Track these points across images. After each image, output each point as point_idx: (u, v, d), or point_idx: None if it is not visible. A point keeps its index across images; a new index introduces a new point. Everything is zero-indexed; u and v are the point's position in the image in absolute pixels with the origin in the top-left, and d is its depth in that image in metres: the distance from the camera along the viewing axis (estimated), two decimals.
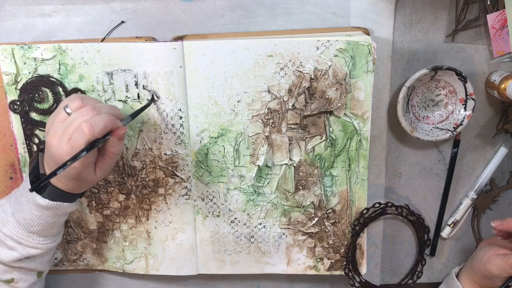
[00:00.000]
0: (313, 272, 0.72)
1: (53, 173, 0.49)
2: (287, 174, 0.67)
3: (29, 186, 0.57)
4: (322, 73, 0.62)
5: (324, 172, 0.67)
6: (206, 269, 0.73)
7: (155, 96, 0.63)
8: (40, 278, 0.64)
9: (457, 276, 0.65)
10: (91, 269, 0.75)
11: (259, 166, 0.67)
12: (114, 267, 0.74)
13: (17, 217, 0.58)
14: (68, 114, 0.54)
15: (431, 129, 0.67)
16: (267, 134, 0.65)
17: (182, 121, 0.65)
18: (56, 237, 0.63)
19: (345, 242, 0.71)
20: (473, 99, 0.65)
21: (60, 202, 0.57)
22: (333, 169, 0.67)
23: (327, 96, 0.63)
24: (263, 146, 0.66)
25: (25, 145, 0.67)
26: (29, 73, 0.64)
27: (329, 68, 0.62)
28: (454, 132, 0.66)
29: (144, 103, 0.64)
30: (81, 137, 0.51)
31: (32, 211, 0.57)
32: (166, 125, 0.65)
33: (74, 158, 0.50)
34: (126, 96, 0.64)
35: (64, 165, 0.50)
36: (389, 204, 0.70)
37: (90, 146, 0.52)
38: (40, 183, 0.51)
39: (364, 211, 0.69)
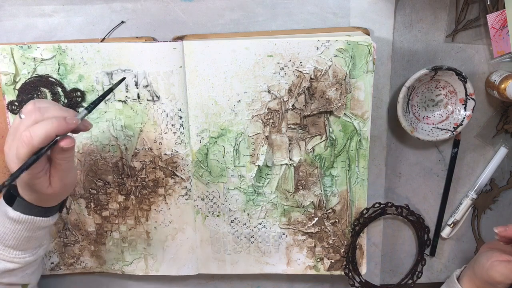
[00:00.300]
0: (313, 272, 0.72)
1: (2, 185, 0.46)
2: (287, 174, 0.67)
3: (3, 201, 0.55)
4: (322, 73, 0.62)
5: (324, 172, 0.67)
6: (206, 269, 0.72)
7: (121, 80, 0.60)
8: None
9: (458, 279, 0.64)
10: (89, 272, 0.74)
11: (259, 166, 0.67)
12: (113, 269, 0.73)
13: None
14: (21, 119, 0.51)
15: (431, 129, 0.67)
16: (267, 134, 0.65)
17: (182, 121, 0.65)
18: (36, 251, 0.59)
19: (345, 242, 0.71)
20: (473, 99, 0.65)
21: (32, 216, 0.54)
22: (333, 169, 0.67)
23: (327, 96, 0.63)
24: (263, 146, 0.66)
25: None
26: (28, 73, 0.64)
27: (329, 68, 0.62)
28: (454, 132, 0.66)
29: (144, 103, 0.64)
30: (21, 147, 0.48)
31: (6, 224, 0.55)
32: (166, 125, 0.65)
33: (14, 176, 0.47)
34: (126, 96, 0.64)
35: (5, 185, 0.46)
36: (389, 204, 0.70)
37: (31, 160, 0.48)
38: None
39: (364, 211, 0.69)
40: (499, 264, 0.57)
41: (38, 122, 0.49)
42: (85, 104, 0.65)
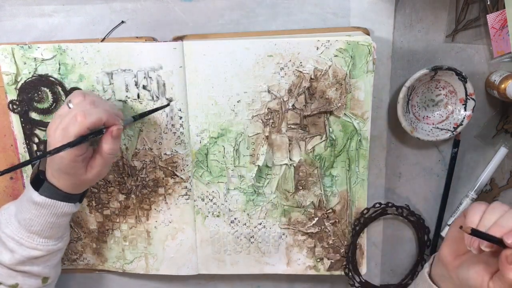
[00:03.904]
0: (313, 272, 0.72)
1: (31, 161, 0.52)
2: (287, 174, 0.67)
3: (30, 187, 0.58)
4: (322, 73, 0.62)
5: (324, 172, 0.67)
6: (206, 269, 0.73)
7: (171, 103, 0.64)
8: (46, 284, 0.63)
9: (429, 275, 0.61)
10: (91, 268, 0.75)
11: (259, 166, 0.67)
12: (114, 267, 0.74)
13: (18, 218, 0.59)
14: (70, 108, 0.55)
15: (431, 129, 0.67)
16: (267, 134, 0.65)
17: (182, 121, 0.65)
18: (59, 241, 0.62)
19: (345, 242, 0.71)
20: (473, 99, 0.65)
21: (56, 200, 0.57)
22: (333, 169, 0.67)
23: (327, 96, 0.63)
24: (263, 146, 0.66)
25: (25, 145, 0.67)
26: (29, 73, 0.64)
27: (329, 68, 0.62)
28: (454, 132, 0.66)
29: (144, 103, 0.64)
30: (73, 125, 0.52)
31: (31, 209, 0.57)
32: (166, 125, 0.65)
33: (59, 149, 0.51)
34: (126, 96, 0.64)
35: (48, 153, 0.51)
36: (390, 204, 0.70)
37: (79, 139, 0.52)
38: (15, 167, 0.51)
39: (365, 211, 0.69)
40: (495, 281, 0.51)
41: (90, 111, 0.54)
42: None
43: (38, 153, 0.68)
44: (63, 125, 0.53)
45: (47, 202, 0.57)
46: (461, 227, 0.49)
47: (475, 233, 0.48)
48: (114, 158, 0.58)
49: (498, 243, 0.47)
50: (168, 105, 0.63)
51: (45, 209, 0.57)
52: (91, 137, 0.53)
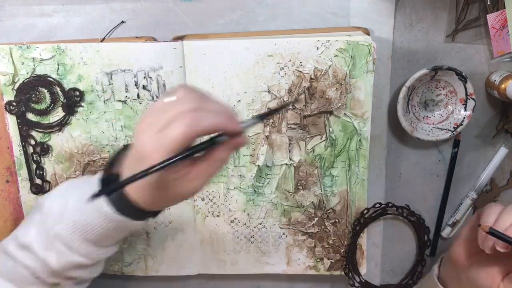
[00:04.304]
0: (313, 272, 0.72)
1: (126, 182, 0.38)
2: (287, 174, 0.67)
3: (102, 206, 0.46)
4: (322, 73, 0.62)
5: (324, 172, 0.67)
6: (206, 269, 0.72)
7: (295, 99, 0.61)
8: (83, 285, 0.55)
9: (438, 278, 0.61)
10: None
11: (259, 166, 0.67)
12: (112, 270, 0.73)
13: (74, 217, 0.47)
14: (171, 101, 0.41)
15: (431, 129, 0.67)
16: (267, 134, 0.65)
17: None
18: (110, 249, 0.52)
19: (345, 242, 0.71)
20: (473, 99, 0.65)
21: (129, 219, 0.46)
22: (333, 169, 0.67)
23: (327, 96, 0.63)
24: (263, 146, 0.66)
25: (21, 147, 0.66)
26: (27, 73, 0.64)
27: (329, 68, 0.62)
28: (454, 132, 0.66)
29: (144, 103, 0.64)
30: (178, 127, 0.38)
31: (94, 218, 0.46)
32: None
33: (159, 166, 0.37)
34: (126, 97, 0.64)
35: (142, 175, 0.37)
36: (390, 205, 0.70)
37: (187, 151, 0.39)
38: (107, 192, 0.40)
39: (365, 211, 0.69)
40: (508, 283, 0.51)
41: (203, 110, 0.40)
42: (84, 104, 0.64)
43: (34, 155, 0.66)
44: (162, 125, 0.39)
45: (118, 219, 0.46)
46: (479, 225, 0.50)
47: (493, 232, 0.49)
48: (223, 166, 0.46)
49: None
50: (296, 100, 0.60)
51: (112, 223, 0.46)
52: (199, 150, 0.40)
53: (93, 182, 0.47)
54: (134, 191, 0.44)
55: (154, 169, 0.37)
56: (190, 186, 0.43)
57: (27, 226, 0.51)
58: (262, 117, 0.47)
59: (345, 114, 0.64)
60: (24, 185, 0.68)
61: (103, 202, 0.45)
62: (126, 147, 0.47)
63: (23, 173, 0.68)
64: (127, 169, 0.44)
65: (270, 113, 0.54)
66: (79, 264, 0.50)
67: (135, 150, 0.42)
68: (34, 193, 0.69)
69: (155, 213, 0.49)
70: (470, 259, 0.55)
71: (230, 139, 0.42)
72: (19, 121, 0.66)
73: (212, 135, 0.42)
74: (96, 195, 0.39)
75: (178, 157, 0.37)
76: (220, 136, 0.42)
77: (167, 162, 0.37)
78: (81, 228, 0.47)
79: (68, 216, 0.47)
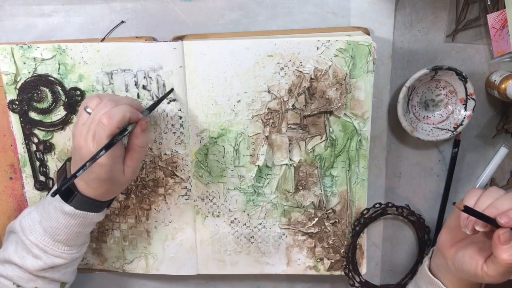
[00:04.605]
0: (313, 272, 0.72)
1: (74, 176, 0.49)
2: (287, 174, 0.67)
3: (58, 197, 0.57)
4: (322, 73, 0.62)
5: (324, 172, 0.67)
6: (206, 269, 0.73)
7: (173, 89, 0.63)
8: None
9: (430, 269, 0.62)
10: (91, 268, 0.74)
11: (259, 166, 0.67)
12: (114, 266, 0.74)
13: (44, 225, 0.58)
14: (89, 113, 0.54)
15: (431, 129, 0.67)
16: (267, 134, 0.65)
17: (182, 121, 0.65)
18: (81, 248, 0.62)
19: (345, 242, 0.71)
20: (473, 99, 0.65)
21: (86, 212, 0.57)
22: (333, 169, 0.67)
23: (327, 96, 0.63)
24: (263, 146, 0.66)
25: (25, 145, 0.67)
26: (29, 72, 0.64)
27: (329, 68, 0.62)
28: (454, 132, 0.66)
29: (144, 103, 0.64)
30: (102, 130, 0.51)
31: (59, 219, 0.57)
32: (166, 125, 0.65)
33: (94, 158, 0.50)
34: (126, 96, 0.64)
35: (83, 166, 0.49)
36: (390, 205, 0.70)
37: (110, 143, 0.51)
38: (61, 188, 0.50)
39: (365, 211, 0.69)
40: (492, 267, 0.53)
41: (113, 108, 0.53)
42: None
43: (37, 153, 0.67)
44: (92, 133, 0.52)
45: (78, 214, 0.57)
46: (454, 203, 0.52)
47: (468, 210, 0.51)
48: (147, 151, 0.58)
49: (491, 223, 0.50)
50: (172, 90, 0.63)
51: (75, 219, 0.57)
52: (118, 139, 0.52)
53: (49, 197, 0.59)
54: (90, 189, 0.56)
55: (91, 159, 0.50)
56: (129, 171, 0.56)
57: (4, 246, 0.62)
58: (150, 109, 0.59)
59: (345, 114, 0.64)
60: (28, 182, 0.69)
61: (64, 204, 0.56)
62: (69, 159, 0.59)
63: (27, 170, 0.69)
64: (73, 168, 0.57)
65: (157, 102, 0.61)
66: (54, 265, 0.59)
67: (76, 153, 0.54)
68: (38, 189, 0.70)
69: (108, 204, 0.61)
70: (454, 247, 0.58)
71: (137, 124, 0.54)
72: (22, 119, 0.66)
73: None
74: (54, 192, 0.49)
75: (103, 148, 0.50)
76: (126, 129, 0.53)
77: (98, 153, 0.50)
78: (51, 231, 0.58)
79: (37, 226, 0.58)
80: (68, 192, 0.57)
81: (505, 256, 0.49)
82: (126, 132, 0.53)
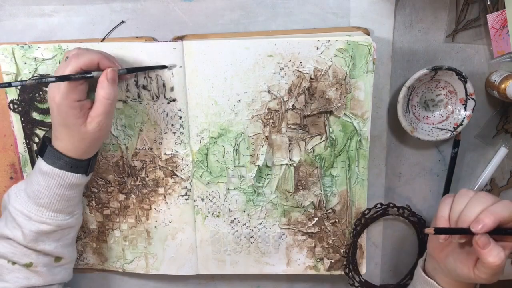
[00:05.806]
0: (313, 272, 0.72)
1: (20, 83, 0.54)
2: (287, 174, 0.67)
3: (39, 157, 0.59)
4: (322, 73, 0.62)
5: (324, 172, 0.67)
6: (206, 269, 0.73)
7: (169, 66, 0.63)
8: (59, 263, 0.64)
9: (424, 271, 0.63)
10: (91, 268, 0.75)
11: (259, 166, 0.67)
12: (114, 266, 0.74)
13: (27, 191, 0.60)
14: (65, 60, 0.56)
15: (431, 129, 0.67)
16: (267, 134, 0.65)
17: (182, 121, 0.65)
18: (69, 216, 0.62)
19: (345, 242, 0.71)
20: (473, 99, 0.65)
21: (63, 171, 0.58)
22: (333, 169, 0.67)
23: (327, 96, 0.63)
24: (263, 146, 0.66)
25: (25, 145, 0.67)
26: (30, 72, 0.64)
27: (329, 68, 0.62)
28: (454, 132, 0.66)
29: (144, 103, 0.64)
30: (65, 66, 0.53)
31: (39, 181, 0.58)
32: (166, 125, 0.65)
33: (45, 79, 0.52)
34: (126, 96, 0.64)
35: (40, 80, 0.52)
36: (391, 205, 0.70)
37: (65, 76, 0.53)
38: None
39: (366, 212, 0.69)
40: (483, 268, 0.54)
41: (84, 52, 0.55)
42: None
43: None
44: (58, 70, 0.55)
45: (54, 172, 0.58)
46: (424, 230, 0.56)
47: (440, 231, 0.53)
48: (114, 107, 0.57)
49: (467, 233, 0.52)
50: (165, 66, 0.62)
51: (53, 179, 0.58)
52: (81, 77, 0.53)
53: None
54: (57, 140, 0.58)
55: (42, 79, 0.53)
56: (92, 124, 0.56)
57: None
58: (134, 70, 0.60)
59: (345, 114, 0.64)
60: None
61: (42, 163, 0.58)
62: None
63: (28, 170, 0.69)
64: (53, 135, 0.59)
65: (140, 68, 0.61)
66: (41, 231, 0.59)
67: (49, 97, 0.56)
68: None
69: (87, 169, 0.61)
70: (444, 251, 0.59)
71: (102, 73, 0.55)
72: (23, 119, 0.66)
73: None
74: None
75: (57, 76, 0.53)
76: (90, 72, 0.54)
77: (49, 76, 0.55)
78: (33, 195, 0.59)
79: (22, 193, 0.60)
80: (42, 147, 0.59)
81: (490, 259, 0.50)
82: (88, 75, 0.54)
